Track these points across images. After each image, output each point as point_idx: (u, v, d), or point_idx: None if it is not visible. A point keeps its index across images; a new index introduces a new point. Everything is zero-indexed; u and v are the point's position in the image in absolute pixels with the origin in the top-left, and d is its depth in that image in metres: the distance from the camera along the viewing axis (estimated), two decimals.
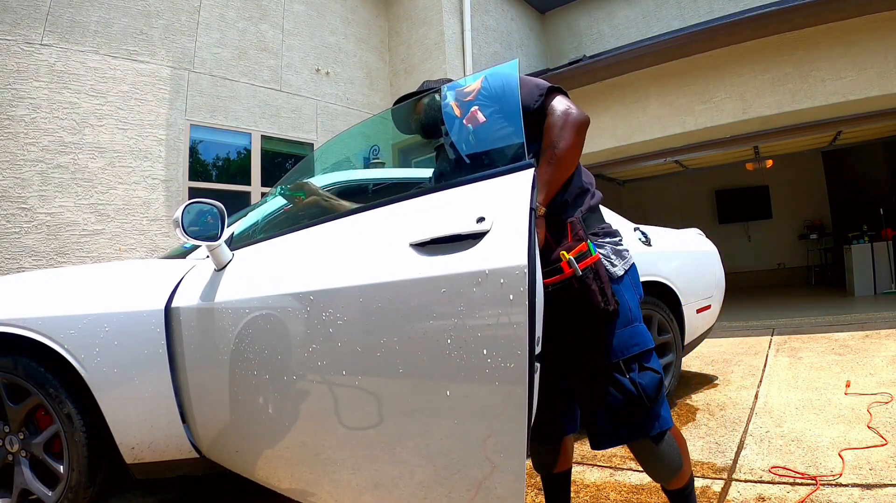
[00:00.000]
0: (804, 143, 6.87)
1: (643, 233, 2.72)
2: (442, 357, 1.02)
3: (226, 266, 1.52)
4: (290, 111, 5.45)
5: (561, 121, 1.20)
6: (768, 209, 9.67)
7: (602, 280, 1.13)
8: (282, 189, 1.50)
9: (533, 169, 1.03)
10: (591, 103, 5.68)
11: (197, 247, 1.80)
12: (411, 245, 1.09)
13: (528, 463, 1.23)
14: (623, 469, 2.04)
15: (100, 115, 4.18)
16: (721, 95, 5.21)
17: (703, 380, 3.30)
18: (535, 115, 1.22)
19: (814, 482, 1.74)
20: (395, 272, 1.09)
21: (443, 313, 1.02)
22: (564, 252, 1.13)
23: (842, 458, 1.88)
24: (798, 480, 1.77)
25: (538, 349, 1.04)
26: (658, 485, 1.43)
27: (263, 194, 4.96)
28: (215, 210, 1.51)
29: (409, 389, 1.11)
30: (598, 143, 5.78)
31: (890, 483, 1.67)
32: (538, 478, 1.56)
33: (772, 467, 1.89)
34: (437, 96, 1.35)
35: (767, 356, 3.79)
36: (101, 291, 1.70)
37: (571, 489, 1.58)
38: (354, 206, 1.41)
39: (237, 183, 5.10)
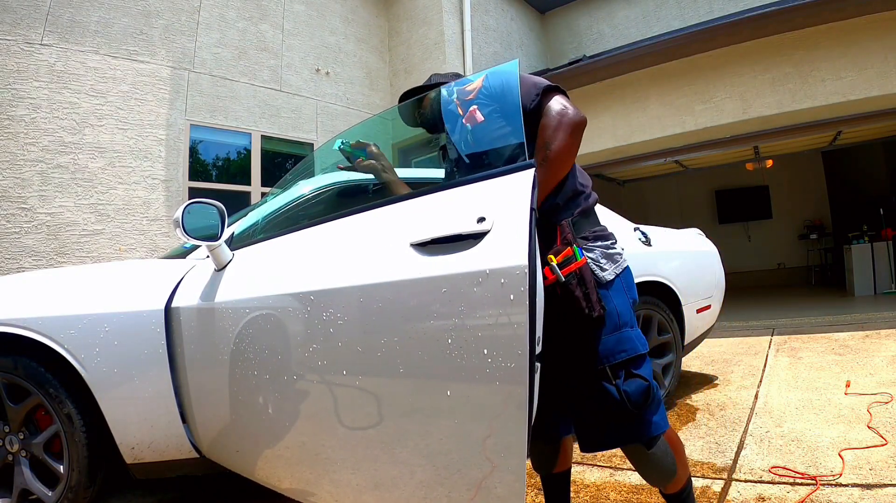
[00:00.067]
0: (804, 143, 6.87)
1: (643, 233, 2.72)
2: (442, 357, 1.02)
3: (226, 266, 1.52)
4: (290, 111, 5.45)
5: (555, 121, 1.17)
6: (768, 209, 9.67)
7: (587, 285, 1.12)
8: (343, 143, 1.44)
9: (534, 169, 1.03)
10: (591, 103, 5.69)
11: (197, 247, 1.80)
12: (412, 245, 1.09)
13: (528, 463, 1.23)
14: (623, 469, 2.04)
15: (100, 115, 4.18)
16: (721, 95, 5.21)
17: (703, 380, 3.30)
18: (533, 115, 1.20)
19: (814, 482, 1.74)
20: (395, 272, 1.09)
21: (443, 313, 1.02)
22: (552, 256, 1.12)
23: (842, 458, 1.88)
24: (798, 480, 1.77)
25: (539, 349, 1.04)
26: None
27: (263, 194, 4.95)
28: (215, 210, 1.51)
29: (409, 389, 1.11)
30: (597, 143, 5.78)
31: (890, 483, 1.67)
32: (538, 478, 1.56)
33: (772, 467, 1.89)
34: (444, 91, 1.32)
35: (767, 356, 3.80)
36: (101, 291, 1.70)
37: (571, 489, 1.57)
38: (408, 191, 1.35)
39: (237, 183, 5.10)
